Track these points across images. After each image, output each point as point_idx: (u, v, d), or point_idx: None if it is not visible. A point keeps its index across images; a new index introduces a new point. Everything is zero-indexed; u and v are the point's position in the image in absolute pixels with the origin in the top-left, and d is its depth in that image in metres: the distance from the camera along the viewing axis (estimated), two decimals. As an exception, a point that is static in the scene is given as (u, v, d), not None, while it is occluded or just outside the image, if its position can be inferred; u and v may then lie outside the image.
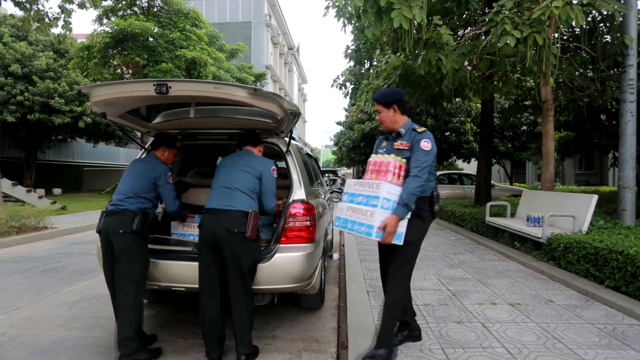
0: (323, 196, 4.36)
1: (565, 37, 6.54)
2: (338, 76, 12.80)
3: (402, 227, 2.33)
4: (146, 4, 14.20)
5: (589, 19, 5.84)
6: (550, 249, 4.65)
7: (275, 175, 2.70)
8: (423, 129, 2.49)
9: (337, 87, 12.66)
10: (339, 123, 23.86)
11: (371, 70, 9.94)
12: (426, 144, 2.39)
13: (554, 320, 3.08)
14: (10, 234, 7.02)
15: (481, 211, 7.21)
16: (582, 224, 4.70)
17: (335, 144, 25.36)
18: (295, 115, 2.86)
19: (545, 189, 6.06)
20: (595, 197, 4.82)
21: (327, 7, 5.85)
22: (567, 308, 3.37)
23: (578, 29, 6.27)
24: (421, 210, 2.46)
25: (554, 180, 6.16)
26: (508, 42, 4.64)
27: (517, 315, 3.20)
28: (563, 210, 5.10)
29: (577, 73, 6.94)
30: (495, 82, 7.67)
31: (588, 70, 7.37)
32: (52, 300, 3.81)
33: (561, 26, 5.10)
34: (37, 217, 7.67)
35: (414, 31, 4.99)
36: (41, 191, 12.18)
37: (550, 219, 4.89)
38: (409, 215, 2.35)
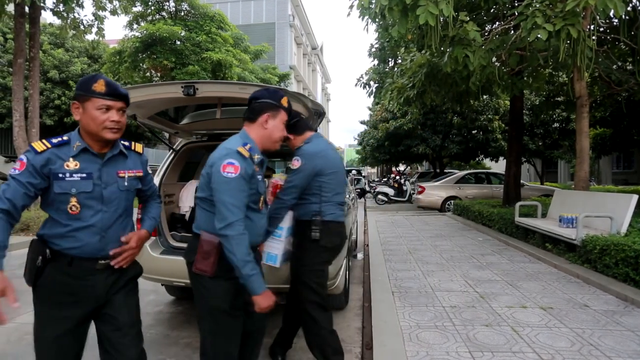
0: (347, 196, 4.35)
1: (602, 29, 6.22)
2: (362, 75, 12.64)
3: (275, 248, 2.19)
4: (174, 9, 14.60)
5: (628, 8, 5.53)
6: (585, 251, 4.44)
7: (231, 175, 1.66)
8: (299, 144, 2.30)
9: (361, 86, 12.53)
10: (362, 122, 23.69)
11: (396, 69, 9.79)
12: (295, 162, 2.20)
13: (589, 326, 2.94)
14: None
15: (510, 211, 6.98)
16: (621, 225, 4.46)
17: (359, 144, 25.17)
18: (319, 114, 2.86)
19: (580, 188, 5.80)
20: (635, 197, 4.57)
21: (351, 7, 5.83)
22: (604, 313, 3.21)
23: (616, 20, 5.95)
24: (300, 236, 2.28)
25: (588, 179, 5.89)
26: (539, 36, 4.46)
27: (549, 320, 3.08)
28: (599, 210, 4.87)
29: (614, 66, 6.60)
30: (525, 78, 7.39)
31: (627, 64, 7.00)
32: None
33: (598, 17, 4.85)
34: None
35: (440, 28, 4.89)
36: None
37: (584, 219, 4.67)
38: (282, 237, 2.19)
